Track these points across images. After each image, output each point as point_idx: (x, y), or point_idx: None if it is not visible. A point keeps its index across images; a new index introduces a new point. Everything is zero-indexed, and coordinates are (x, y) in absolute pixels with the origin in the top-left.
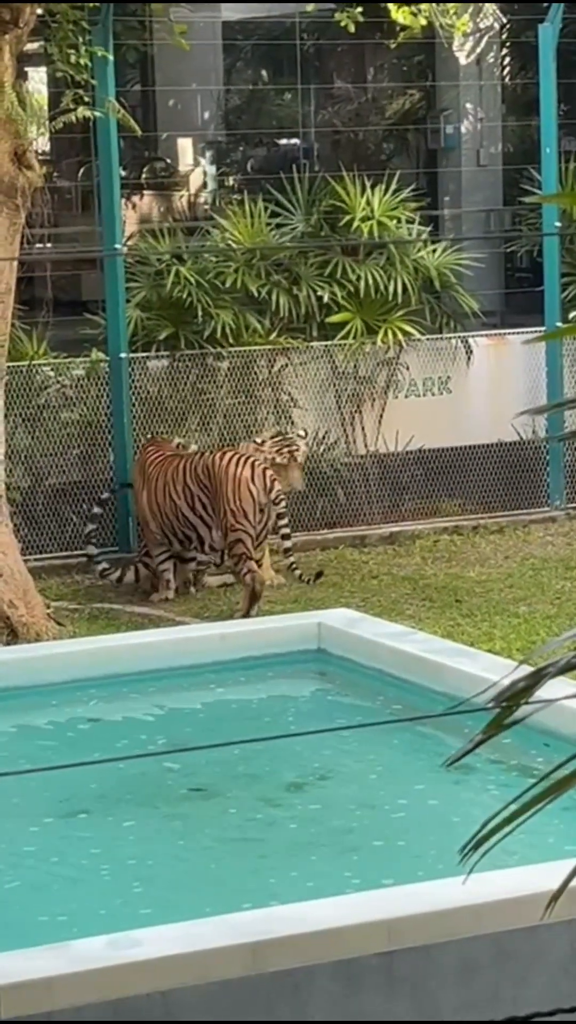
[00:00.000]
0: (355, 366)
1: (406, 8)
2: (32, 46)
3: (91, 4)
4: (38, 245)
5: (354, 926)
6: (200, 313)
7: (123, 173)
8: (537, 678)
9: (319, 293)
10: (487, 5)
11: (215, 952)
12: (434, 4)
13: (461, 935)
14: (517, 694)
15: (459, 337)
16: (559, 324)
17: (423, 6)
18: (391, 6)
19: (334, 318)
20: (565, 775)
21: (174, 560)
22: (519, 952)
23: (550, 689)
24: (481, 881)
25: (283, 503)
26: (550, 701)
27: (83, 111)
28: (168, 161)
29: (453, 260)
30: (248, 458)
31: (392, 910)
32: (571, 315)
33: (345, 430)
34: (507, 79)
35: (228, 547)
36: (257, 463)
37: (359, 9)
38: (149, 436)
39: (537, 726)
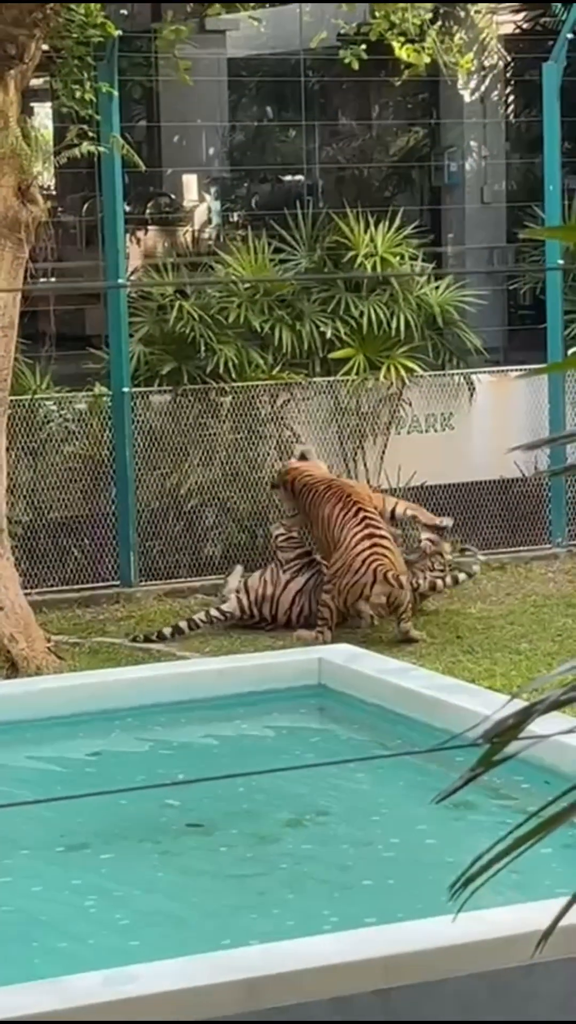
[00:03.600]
0: (358, 402)
1: (410, 46)
2: (37, 81)
3: (99, 37)
4: (42, 279)
5: (350, 963)
6: (203, 348)
7: (127, 208)
8: (526, 715)
9: (322, 329)
10: (492, 43)
11: (211, 988)
12: (438, 43)
13: (458, 972)
14: (506, 731)
15: (462, 374)
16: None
17: (427, 44)
18: (395, 44)
19: (337, 354)
20: (556, 812)
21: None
22: (516, 990)
23: (548, 725)
24: (478, 919)
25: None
26: (542, 737)
27: (88, 146)
28: (172, 197)
29: (456, 297)
30: (379, 556)
31: (389, 947)
32: (571, 351)
33: (347, 466)
34: (511, 117)
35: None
36: (382, 567)
37: (363, 47)
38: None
39: (537, 762)
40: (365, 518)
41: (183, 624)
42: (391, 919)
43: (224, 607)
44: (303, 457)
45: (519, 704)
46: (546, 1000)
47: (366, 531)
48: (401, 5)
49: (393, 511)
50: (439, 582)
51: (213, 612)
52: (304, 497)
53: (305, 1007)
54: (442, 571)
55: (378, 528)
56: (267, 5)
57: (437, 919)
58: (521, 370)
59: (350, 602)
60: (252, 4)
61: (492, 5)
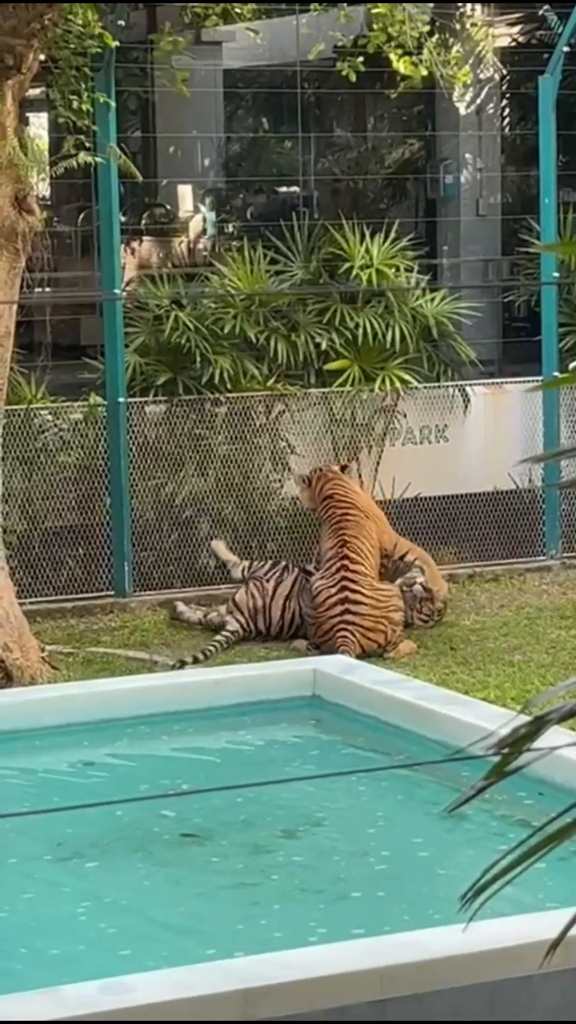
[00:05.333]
0: (352, 413)
1: (407, 59)
2: (34, 91)
3: (96, 48)
4: (38, 289)
5: (347, 974)
6: (198, 359)
7: (123, 219)
8: (539, 725)
9: (317, 340)
10: (488, 55)
11: (207, 999)
12: (437, 55)
13: (454, 983)
14: (518, 741)
15: (456, 386)
16: (556, 374)
17: (424, 57)
18: (392, 56)
19: (332, 365)
20: (565, 824)
21: None
22: (512, 1001)
23: (545, 738)
24: (474, 930)
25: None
26: (552, 749)
27: (84, 157)
28: (168, 207)
29: (451, 309)
30: (344, 629)
31: (385, 958)
32: (571, 365)
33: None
34: (507, 130)
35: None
36: (344, 644)
37: (360, 59)
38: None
39: (532, 775)
40: (344, 578)
41: (204, 652)
42: (386, 930)
43: (228, 629)
44: (344, 468)
45: (523, 718)
46: (543, 1011)
47: (340, 594)
48: (399, 18)
49: (403, 556)
50: (418, 621)
51: (221, 637)
52: (322, 509)
53: (301, 1018)
54: (427, 617)
55: (354, 591)
56: (264, 17)
57: (434, 930)
58: (516, 382)
59: (322, 645)
60: (249, 16)
61: (488, 18)
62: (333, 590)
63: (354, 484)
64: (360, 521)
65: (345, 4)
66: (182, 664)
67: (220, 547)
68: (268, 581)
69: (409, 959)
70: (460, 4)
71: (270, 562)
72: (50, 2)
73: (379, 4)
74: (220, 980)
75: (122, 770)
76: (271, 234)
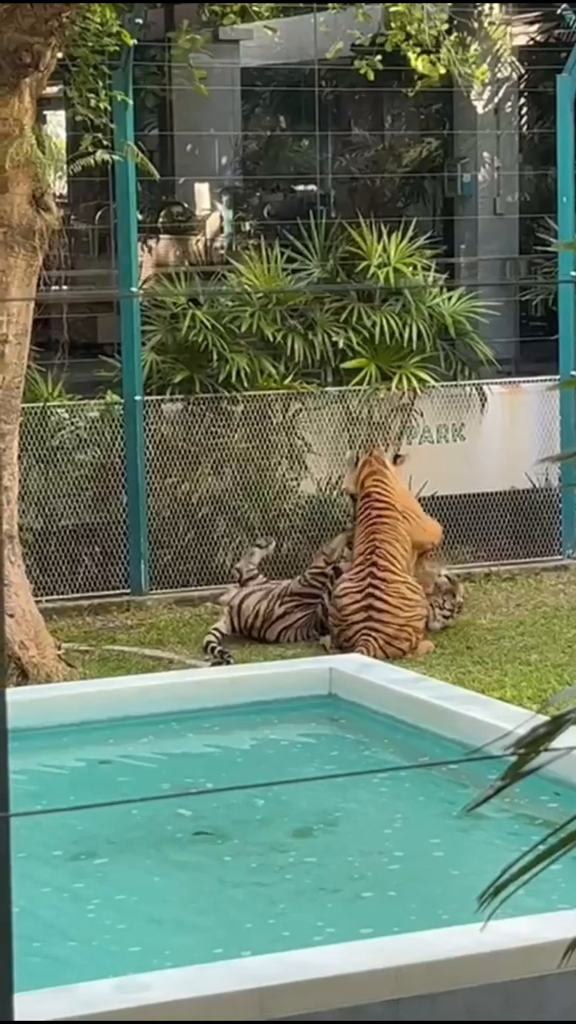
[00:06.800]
0: (369, 412)
1: (425, 57)
2: (52, 90)
3: (114, 46)
4: (54, 287)
5: (361, 973)
6: (215, 357)
7: (140, 217)
8: (557, 724)
9: (334, 338)
10: (506, 54)
11: (222, 997)
12: (455, 54)
13: (468, 984)
14: (536, 740)
15: (473, 384)
16: (574, 372)
17: (443, 55)
18: (410, 55)
19: (349, 364)
20: None
21: None
22: (526, 1001)
23: (562, 738)
24: (489, 930)
25: None
26: (569, 749)
27: (102, 155)
28: (185, 205)
29: (468, 308)
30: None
31: (400, 957)
32: None
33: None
34: (524, 128)
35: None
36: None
37: (378, 57)
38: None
39: (548, 775)
40: (371, 584)
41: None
42: (402, 929)
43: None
44: (396, 459)
45: (541, 717)
46: (558, 1011)
47: (365, 600)
48: (417, 16)
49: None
50: (439, 621)
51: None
52: (361, 499)
53: (316, 1016)
54: (450, 611)
55: (380, 598)
56: (282, 15)
57: (448, 929)
58: (533, 381)
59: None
60: (267, 14)
61: (506, 17)
62: (358, 596)
63: (396, 480)
64: (395, 525)
65: (363, 2)
66: (222, 657)
67: (256, 555)
68: (280, 602)
69: (424, 959)
70: (478, 3)
71: (259, 576)
72: (68, 1)
73: (397, 3)
74: (235, 979)
75: (137, 768)
76: (288, 232)
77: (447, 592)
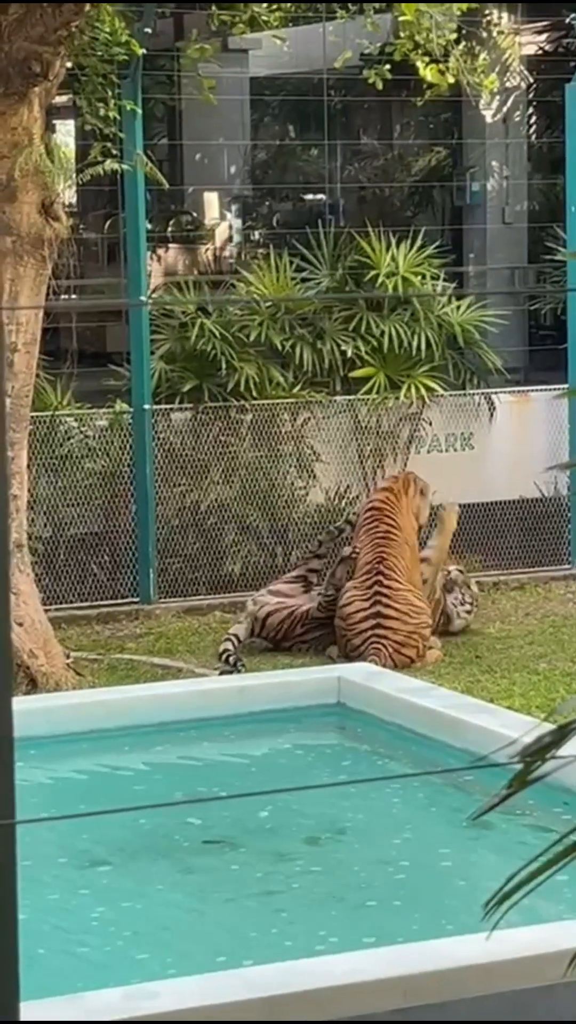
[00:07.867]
0: (378, 421)
1: (434, 66)
2: (61, 99)
3: (123, 55)
4: (64, 296)
5: (370, 982)
6: (224, 366)
7: (149, 226)
8: (562, 733)
9: (343, 347)
10: (514, 63)
11: (230, 1006)
12: (463, 63)
13: (477, 992)
14: (541, 749)
15: (482, 394)
16: None
17: (451, 65)
18: (419, 64)
19: (357, 373)
20: None
21: None
22: (535, 1010)
23: (570, 747)
24: (498, 939)
25: None
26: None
27: (111, 164)
28: (194, 214)
29: (477, 317)
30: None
31: (409, 966)
32: None
33: (367, 484)
34: (533, 138)
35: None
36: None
37: (387, 66)
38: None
39: (557, 784)
40: (378, 592)
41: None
42: (409, 938)
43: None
44: (422, 492)
45: (547, 726)
46: (566, 1021)
47: (373, 608)
48: (425, 25)
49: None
50: (458, 618)
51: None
52: (366, 511)
53: None
54: (471, 604)
55: (387, 605)
56: (291, 24)
57: (457, 938)
58: (542, 390)
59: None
60: (276, 23)
61: (514, 26)
62: (365, 603)
63: (408, 507)
64: (401, 537)
65: (372, 12)
66: (235, 666)
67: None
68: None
69: (432, 968)
70: (487, 12)
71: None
72: (78, 1)
73: (406, 12)
74: (243, 988)
75: (146, 777)
76: (297, 241)
77: (463, 584)
